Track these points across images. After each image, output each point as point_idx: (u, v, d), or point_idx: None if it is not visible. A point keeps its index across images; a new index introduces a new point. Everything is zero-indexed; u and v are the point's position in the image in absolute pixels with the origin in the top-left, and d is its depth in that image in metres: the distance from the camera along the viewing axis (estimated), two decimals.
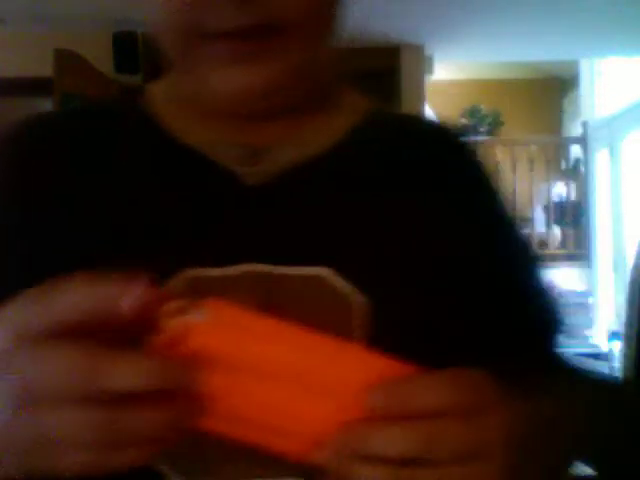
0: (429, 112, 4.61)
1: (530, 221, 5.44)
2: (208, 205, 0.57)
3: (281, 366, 0.41)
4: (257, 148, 0.58)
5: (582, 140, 5.45)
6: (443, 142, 0.67)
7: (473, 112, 6.35)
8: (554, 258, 5.40)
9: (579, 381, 0.60)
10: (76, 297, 0.37)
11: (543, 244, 5.40)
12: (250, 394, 0.41)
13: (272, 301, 0.53)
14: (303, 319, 0.49)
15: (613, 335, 3.28)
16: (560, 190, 5.60)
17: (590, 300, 5.17)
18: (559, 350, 0.65)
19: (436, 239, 0.58)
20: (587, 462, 0.55)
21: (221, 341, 0.41)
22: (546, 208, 5.49)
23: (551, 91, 6.36)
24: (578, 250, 5.34)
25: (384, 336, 0.51)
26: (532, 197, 5.39)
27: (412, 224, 0.58)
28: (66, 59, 3.18)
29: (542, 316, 0.65)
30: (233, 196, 0.57)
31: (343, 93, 0.65)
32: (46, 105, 3.35)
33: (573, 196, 5.50)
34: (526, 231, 5.41)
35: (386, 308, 0.53)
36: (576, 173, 5.60)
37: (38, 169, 0.59)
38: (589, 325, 5.14)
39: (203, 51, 0.54)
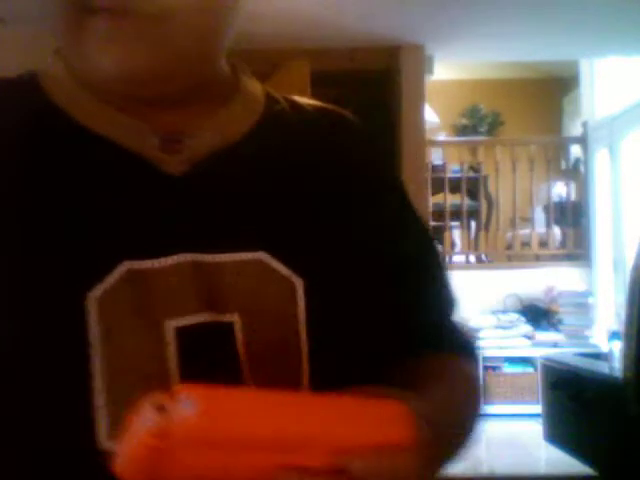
0: (429, 112, 4.61)
1: (530, 221, 5.44)
2: (134, 196, 0.56)
3: (261, 438, 0.43)
4: (170, 136, 0.58)
5: (582, 140, 5.45)
6: (341, 125, 0.69)
7: (473, 112, 6.36)
8: (554, 258, 5.40)
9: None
10: None
11: (543, 244, 5.40)
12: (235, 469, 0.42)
13: (213, 289, 0.54)
14: (249, 303, 0.53)
15: (613, 335, 3.28)
16: (560, 190, 5.61)
17: (590, 300, 5.17)
18: (455, 329, 0.69)
19: (347, 221, 0.62)
20: None
21: (206, 429, 0.42)
22: (546, 208, 5.50)
23: (551, 91, 6.36)
24: (578, 250, 5.34)
25: (319, 316, 0.56)
26: (532, 197, 5.39)
27: (327, 208, 0.61)
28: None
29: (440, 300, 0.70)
30: (157, 186, 0.57)
31: (244, 81, 0.66)
32: None
33: (573, 196, 5.50)
34: (526, 231, 5.41)
35: (318, 288, 0.56)
36: (576, 173, 5.60)
37: None
38: (589, 325, 5.14)
39: (84, 26, 0.53)
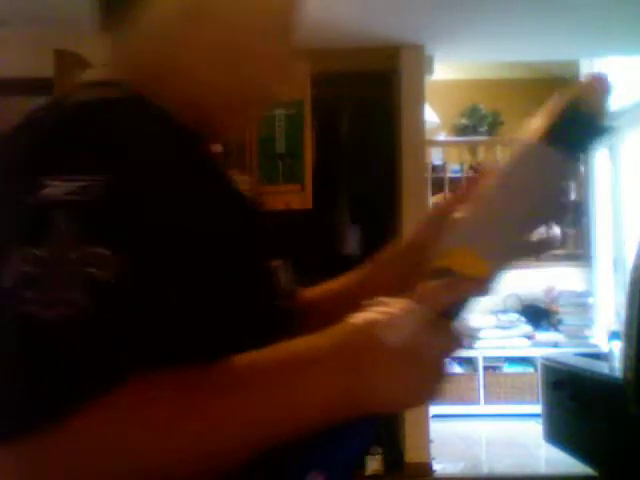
0: (429, 112, 4.61)
1: None
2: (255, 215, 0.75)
3: None
4: None
5: None
6: None
7: (473, 112, 6.35)
8: (554, 258, 5.40)
9: None
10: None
11: None
12: None
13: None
14: None
15: (613, 335, 3.28)
16: None
17: (590, 300, 5.16)
18: None
19: None
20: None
21: None
22: None
23: (551, 91, 6.34)
24: (578, 250, 5.34)
25: None
26: None
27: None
28: (66, 59, 3.18)
29: None
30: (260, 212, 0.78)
31: None
32: None
33: (573, 196, 5.50)
34: None
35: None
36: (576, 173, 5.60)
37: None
38: (589, 325, 5.14)
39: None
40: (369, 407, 0.55)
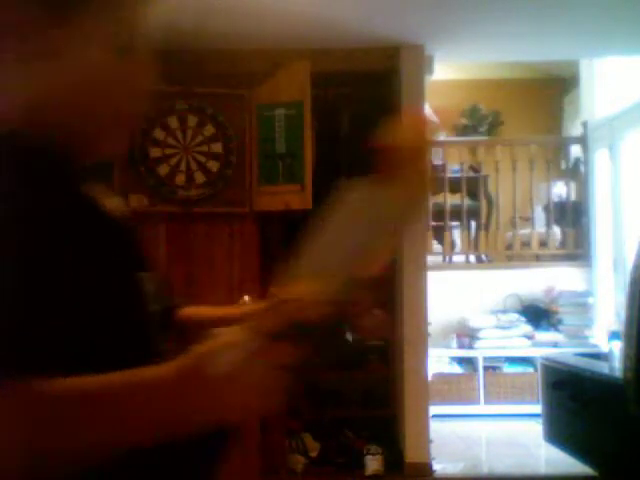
0: (429, 112, 4.60)
1: (530, 221, 5.44)
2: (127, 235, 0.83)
3: None
4: None
5: (582, 140, 5.45)
6: None
7: (473, 112, 6.35)
8: (554, 258, 5.40)
9: None
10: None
11: (543, 244, 5.40)
12: None
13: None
14: None
15: (613, 335, 3.28)
16: (560, 190, 5.61)
17: (590, 300, 5.17)
18: None
19: None
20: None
21: None
22: (546, 208, 5.50)
23: (551, 91, 6.36)
24: (578, 250, 5.35)
25: None
26: (532, 197, 5.39)
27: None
28: None
29: None
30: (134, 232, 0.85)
31: None
32: None
33: (573, 196, 5.50)
34: (526, 231, 5.41)
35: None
36: (576, 173, 5.60)
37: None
38: (589, 325, 5.14)
39: None
40: (201, 424, 0.67)
